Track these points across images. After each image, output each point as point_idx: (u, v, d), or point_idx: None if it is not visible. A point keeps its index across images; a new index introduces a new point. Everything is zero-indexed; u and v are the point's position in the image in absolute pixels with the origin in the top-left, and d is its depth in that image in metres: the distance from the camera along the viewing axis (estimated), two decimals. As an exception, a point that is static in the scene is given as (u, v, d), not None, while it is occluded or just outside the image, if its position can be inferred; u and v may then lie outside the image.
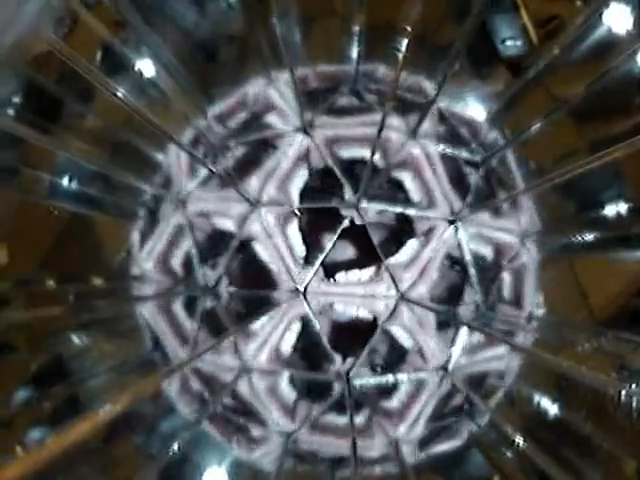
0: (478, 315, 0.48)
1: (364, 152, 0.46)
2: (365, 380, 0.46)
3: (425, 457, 0.49)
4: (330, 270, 0.46)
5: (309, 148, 0.46)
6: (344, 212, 0.45)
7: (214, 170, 0.47)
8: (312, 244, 0.46)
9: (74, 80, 0.44)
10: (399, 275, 0.45)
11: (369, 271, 0.46)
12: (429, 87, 0.49)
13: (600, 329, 0.45)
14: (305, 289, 0.44)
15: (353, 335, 0.46)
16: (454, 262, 0.47)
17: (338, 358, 0.46)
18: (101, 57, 0.47)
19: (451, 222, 0.46)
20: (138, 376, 0.51)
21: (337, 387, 0.47)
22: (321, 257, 0.45)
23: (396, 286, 0.44)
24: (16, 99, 0.47)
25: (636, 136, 0.33)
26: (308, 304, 0.44)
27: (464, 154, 0.49)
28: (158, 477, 0.44)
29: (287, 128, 0.47)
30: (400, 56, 0.39)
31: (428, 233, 0.46)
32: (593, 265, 0.52)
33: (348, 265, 0.47)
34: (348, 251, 0.49)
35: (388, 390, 0.47)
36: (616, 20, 0.44)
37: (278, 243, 0.45)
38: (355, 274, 0.46)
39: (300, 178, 0.46)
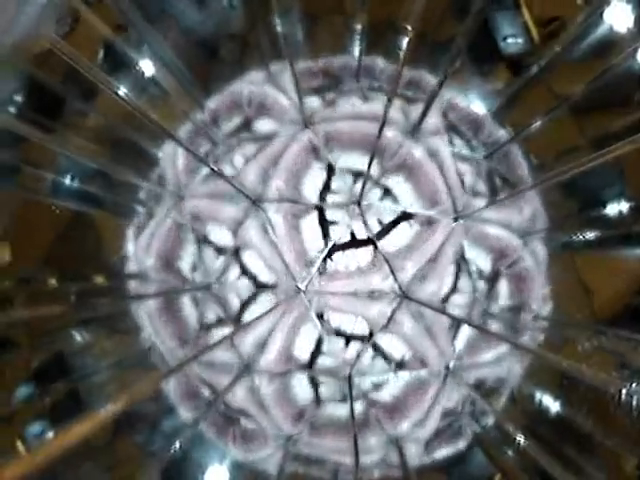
0: (481, 314, 0.47)
1: (364, 158, 0.46)
2: (367, 378, 0.46)
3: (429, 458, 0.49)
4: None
5: (312, 143, 0.46)
6: (345, 210, 0.45)
7: (214, 168, 0.47)
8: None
9: (76, 79, 0.44)
10: (399, 264, 0.44)
11: (366, 255, 0.45)
12: (430, 84, 0.49)
13: (601, 328, 0.45)
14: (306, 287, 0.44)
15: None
16: (456, 260, 0.47)
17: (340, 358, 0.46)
18: (103, 55, 0.48)
19: (455, 220, 0.45)
20: (138, 374, 0.51)
21: (341, 387, 0.46)
22: (322, 256, 0.44)
23: (394, 276, 0.44)
24: (18, 97, 0.47)
25: (637, 133, 0.33)
26: (309, 304, 0.44)
27: (465, 151, 0.49)
28: (160, 475, 0.44)
29: (283, 129, 0.47)
30: (402, 54, 0.39)
31: (428, 223, 0.45)
32: (595, 263, 0.52)
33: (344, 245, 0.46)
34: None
35: (386, 385, 0.47)
36: (617, 18, 0.44)
37: (282, 241, 0.44)
38: (352, 258, 0.45)
39: (311, 173, 0.46)
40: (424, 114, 0.44)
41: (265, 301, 0.45)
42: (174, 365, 0.49)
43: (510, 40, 0.51)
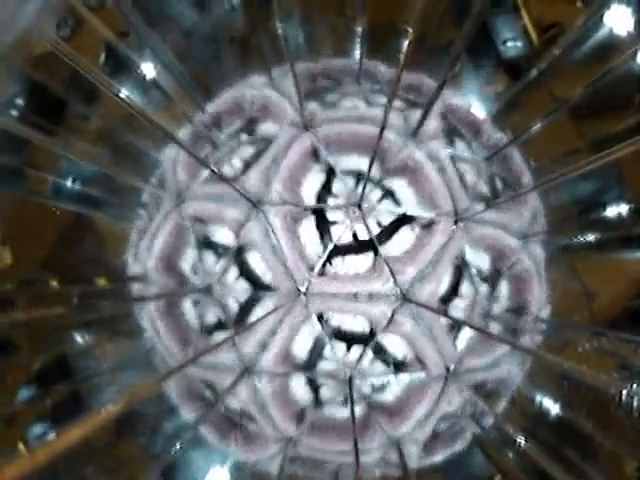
0: (482, 316, 0.47)
1: (364, 160, 0.46)
2: (367, 381, 0.46)
3: (428, 460, 0.49)
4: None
5: (313, 146, 0.46)
6: (346, 212, 0.45)
7: (215, 171, 0.47)
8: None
9: (78, 81, 0.44)
10: (400, 268, 0.44)
11: (366, 260, 0.46)
12: (430, 88, 0.49)
13: (601, 329, 0.45)
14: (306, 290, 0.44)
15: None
16: (457, 262, 0.47)
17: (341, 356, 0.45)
18: (105, 58, 0.48)
19: (455, 222, 0.45)
20: (139, 376, 0.51)
21: (342, 389, 0.46)
22: (322, 258, 0.44)
23: (394, 278, 0.44)
24: (20, 100, 0.47)
25: (636, 135, 0.33)
26: (309, 306, 0.44)
27: (466, 154, 0.49)
28: (162, 477, 0.44)
29: (284, 132, 0.47)
30: (402, 57, 0.39)
31: (428, 226, 0.45)
32: (594, 266, 0.52)
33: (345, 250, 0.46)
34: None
35: (387, 387, 0.47)
36: (617, 21, 0.44)
37: (282, 243, 0.44)
38: (352, 263, 0.45)
39: (310, 176, 0.46)
40: (424, 117, 0.44)
41: (266, 303, 0.45)
42: (175, 366, 0.49)
43: (510, 43, 0.51)
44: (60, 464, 0.27)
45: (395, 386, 0.46)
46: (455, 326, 0.47)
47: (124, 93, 0.41)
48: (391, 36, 0.40)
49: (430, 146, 0.46)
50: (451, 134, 0.49)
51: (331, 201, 0.46)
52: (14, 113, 0.47)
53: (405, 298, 0.44)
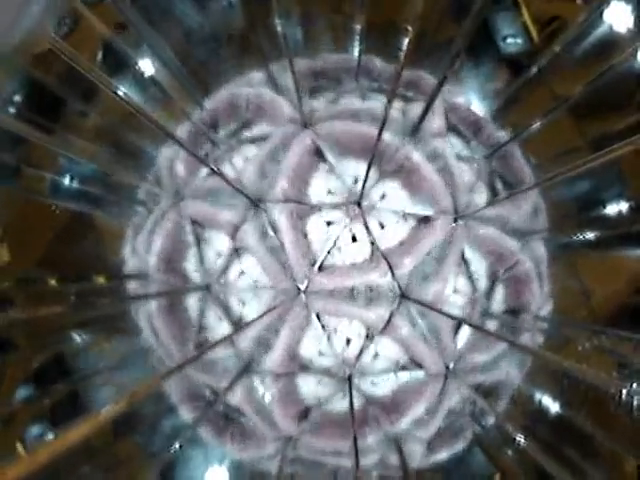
0: (481, 315, 0.47)
1: (363, 158, 0.45)
2: (366, 378, 0.46)
3: (429, 460, 0.49)
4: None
5: (313, 143, 0.45)
6: (345, 210, 0.45)
7: (214, 168, 0.47)
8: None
9: (75, 79, 0.44)
10: (396, 260, 0.44)
11: (363, 249, 0.45)
12: (430, 85, 0.49)
13: (601, 327, 0.45)
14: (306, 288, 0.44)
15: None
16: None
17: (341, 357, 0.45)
18: (102, 55, 0.48)
19: (455, 220, 0.45)
20: (138, 375, 0.51)
21: (340, 387, 0.46)
22: (322, 256, 0.44)
23: (392, 270, 0.43)
24: (17, 98, 0.47)
25: (637, 133, 0.33)
26: (308, 305, 0.44)
27: (465, 152, 0.49)
28: (160, 476, 0.44)
29: (282, 129, 0.47)
30: (401, 54, 0.39)
31: (425, 220, 0.45)
32: (594, 264, 0.52)
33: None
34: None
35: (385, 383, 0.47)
36: (617, 18, 0.44)
37: (286, 241, 0.44)
38: (349, 251, 0.45)
39: (318, 175, 0.46)
40: (424, 115, 0.44)
41: (265, 302, 0.45)
42: (174, 366, 0.49)
43: (510, 40, 0.51)
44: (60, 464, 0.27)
45: (393, 382, 0.46)
46: (455, 325, 0.47)
47: (122, 91, 0.41)
48: (390, 34, 0.39)
49: (434, 144, 0.46)
50: (451, 132, 0.49)
51: (329, 199, 0.46)
52: (12, 111, 0.47)
53: (403, 295, 0.44)
